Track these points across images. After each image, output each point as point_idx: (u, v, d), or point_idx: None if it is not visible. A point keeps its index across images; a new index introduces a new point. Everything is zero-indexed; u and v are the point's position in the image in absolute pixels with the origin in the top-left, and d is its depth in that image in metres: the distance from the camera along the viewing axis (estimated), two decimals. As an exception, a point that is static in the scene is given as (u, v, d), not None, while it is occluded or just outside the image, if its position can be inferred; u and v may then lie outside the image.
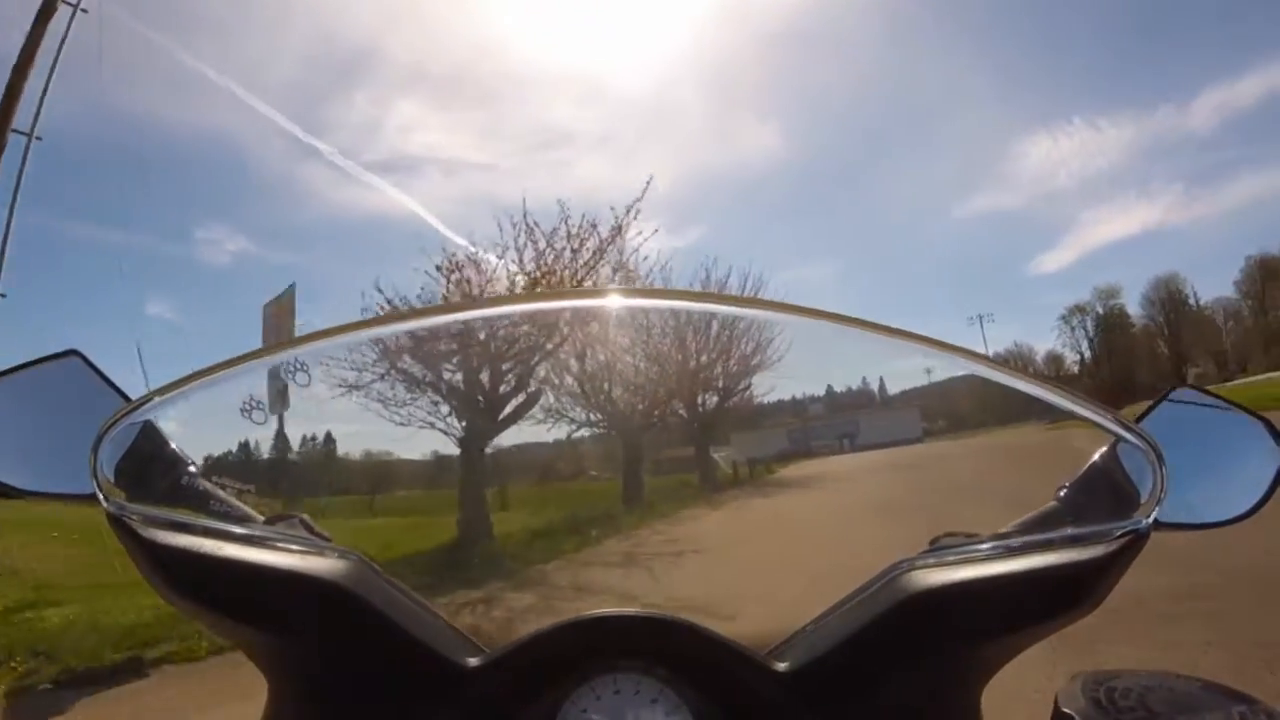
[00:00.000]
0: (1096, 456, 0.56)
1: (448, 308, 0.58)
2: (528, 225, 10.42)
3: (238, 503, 0.58)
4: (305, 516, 0.56)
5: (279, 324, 5.08)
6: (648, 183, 10.64)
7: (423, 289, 9.85)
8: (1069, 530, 0.52)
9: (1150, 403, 0.61)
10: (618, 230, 10.45)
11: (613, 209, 10.64)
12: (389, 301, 9.79)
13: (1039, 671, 1.22)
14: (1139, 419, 0.58)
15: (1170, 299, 49.48)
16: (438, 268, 10.07)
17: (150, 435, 0.54)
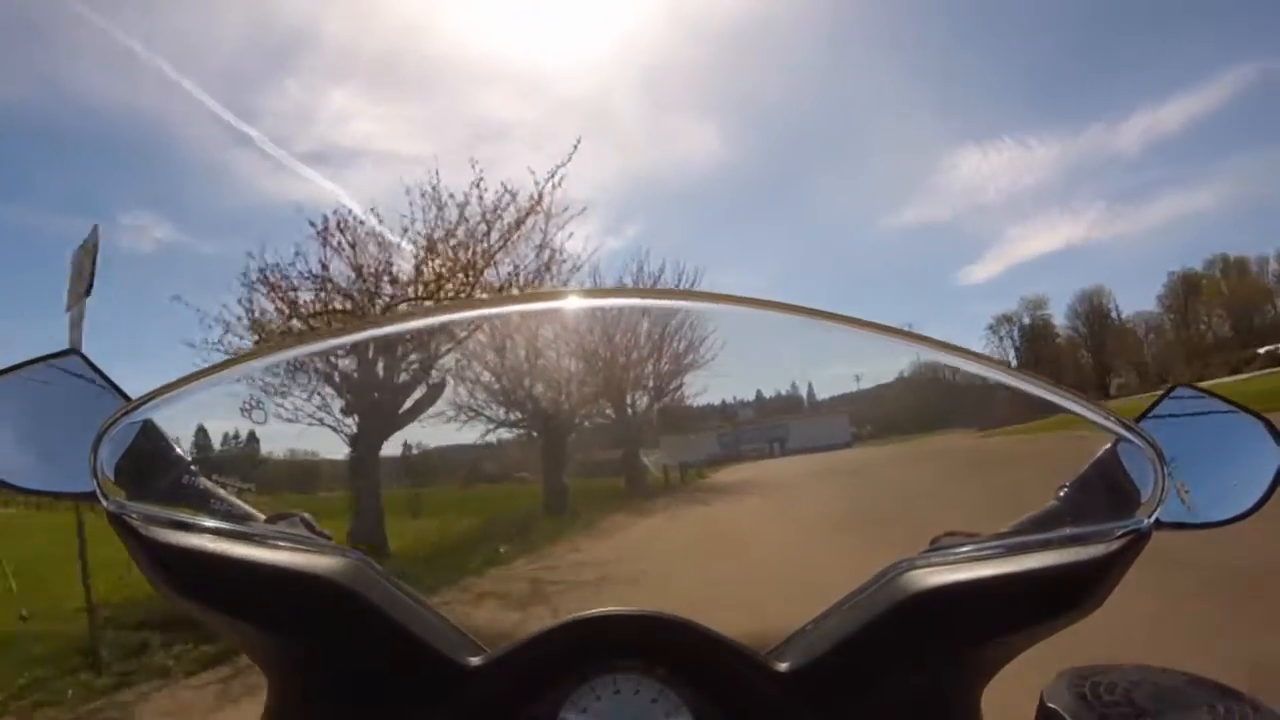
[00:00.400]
0: (1096, 456, 0.56)
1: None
2: (436, 195, 9.42)
3: (238, 501, 0.58)
4: (306, 515, 0.56)
5: (80, 270, 4.83)
6: (575, 146, 9.60)
7: (298, 252, 8.98)
8: (1069, 530, 0.52)
9: (1151, 402, 0.61)
10: (538, 200, 9.45)
11: (532, 172, 9.49)
12: (261, 271, 9.04)
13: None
14: (1139, 418, 0.58)
15: (1094, 311, 51.87)
16: (311, 224, 9.12)
17: (150, 434, 0.54)
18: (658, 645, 0.47)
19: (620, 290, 0.55)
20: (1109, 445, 0.55)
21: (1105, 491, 0.54)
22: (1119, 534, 0.49)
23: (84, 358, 0.59)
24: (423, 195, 9.48)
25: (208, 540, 0.49)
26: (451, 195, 9.44)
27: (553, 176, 9.39)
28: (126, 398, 0.55)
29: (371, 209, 9.51)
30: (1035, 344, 49.88)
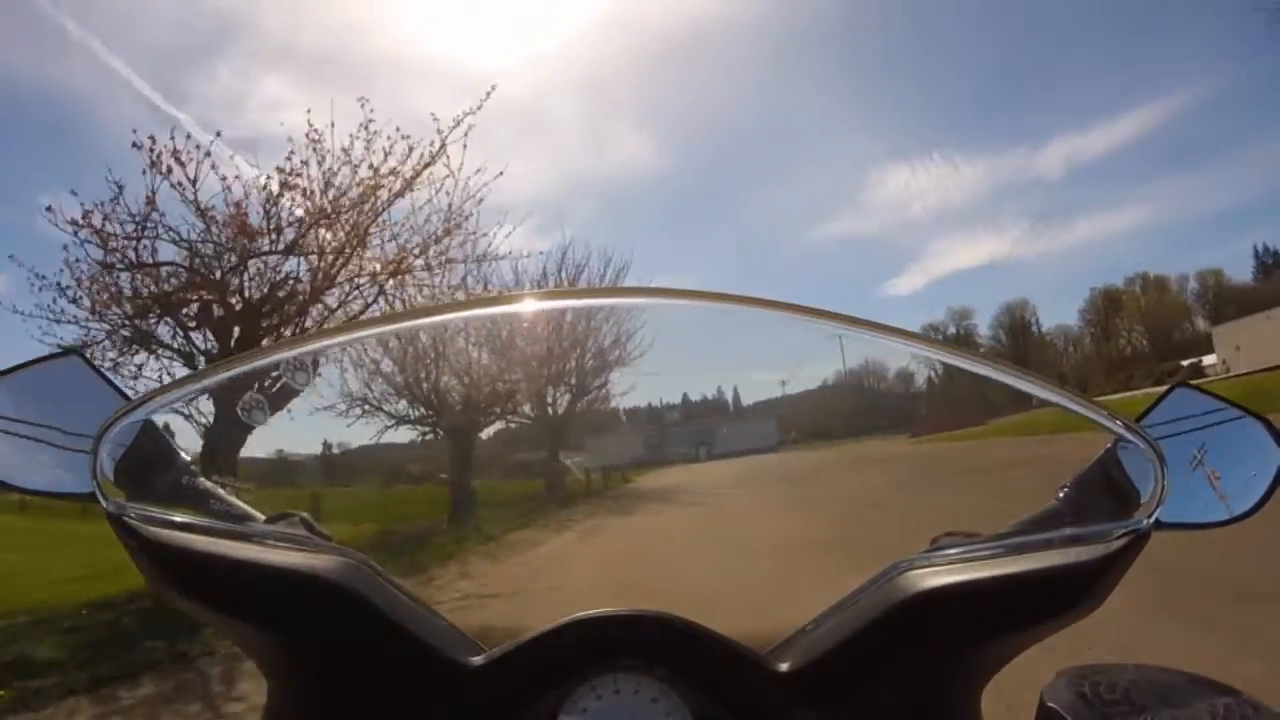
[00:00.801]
0: (1098, 455, 0.56)
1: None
2: (314, 137, 7.84)
3: (238, 501, 0.58)
4: (305, 515, 0.56)
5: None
6: (488, 92, 8.43)
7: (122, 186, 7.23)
8: (1069, 530, 0.52)
9: (1152, 401, 0.61)
10: (441, 149, 8.10)
11: (435, 118, 8.23)
12: (85, 214, 7.31)
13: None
14: (1139, 418, 0.58)
15: (1016, 323, 54.44)
16: (136, 145, 7.28)
17: (150, 434, 0.54)
18: (658, 645, 0.47)
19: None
20: (1109, 445, 0.55)
21: (1105, 491, 0.54)
22: (1119, 534, 0.49)
23: (84, 357, 0.59)
24: (307, 136, 8.00)
25: (207, 540, 0.49)
26: (351, 145, 8.06)
27: (459, 124, 8.16)
28: (126, 398, 0.55)
29: (217, 132, 7.99)
30: (960, 354, 51.97)
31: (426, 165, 8.25)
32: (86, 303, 8.00)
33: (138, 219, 7.64)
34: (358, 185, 8.14)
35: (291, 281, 8.35)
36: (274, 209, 8.07)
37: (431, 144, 8.27)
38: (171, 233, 7.84)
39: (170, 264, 8.01)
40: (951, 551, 0.52)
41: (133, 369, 8.34)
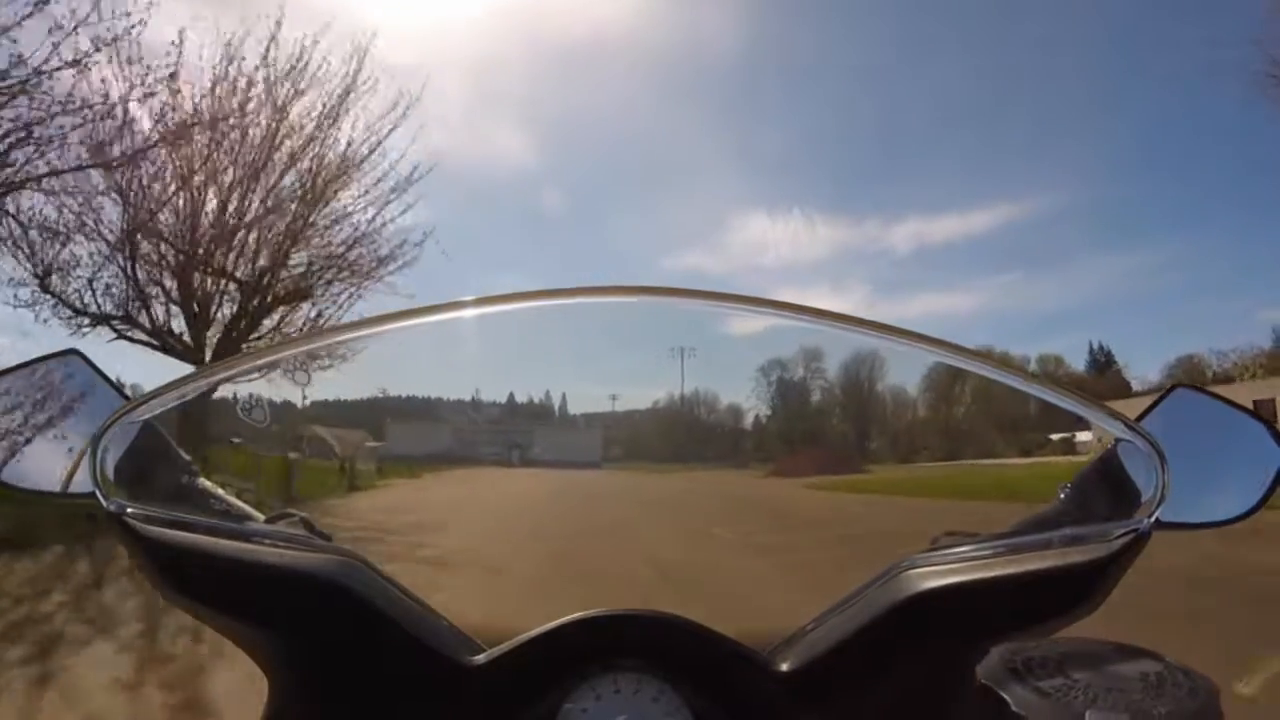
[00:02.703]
0: (1098, 455, 0.56)
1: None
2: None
3: (238, 501, 0.58)
4: (305, 515, 0.56)
5: None
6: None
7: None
8: (1069, 530, 0.52)
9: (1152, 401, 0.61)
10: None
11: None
12: None
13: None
14: (1139, 418, 0.57)
15: (851, 382, 55.78)
16: None
17: (150, 434, 0.54)
18: (658, 645, 0.47)
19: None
20: (1109, 444, 0.55)
21: (1105, 491, 0.54)
22: (1119, 534, 0.49)
23: (84, 357, 0.59)
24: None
25: (208, 541, 0.49)
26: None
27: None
28: (126, 397, 0.55)
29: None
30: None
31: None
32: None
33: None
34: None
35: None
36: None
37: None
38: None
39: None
40: (951, 551, 0.52)
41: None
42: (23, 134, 7.92)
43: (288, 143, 9.51)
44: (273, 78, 8.96)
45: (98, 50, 7.84)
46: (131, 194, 8.85)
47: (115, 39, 8.06)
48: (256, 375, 0.53)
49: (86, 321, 10.26)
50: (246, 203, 9.85)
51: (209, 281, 10.48)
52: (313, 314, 11.55)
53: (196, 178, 9.00)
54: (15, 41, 7.48)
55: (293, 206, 9.70)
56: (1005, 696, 0.30)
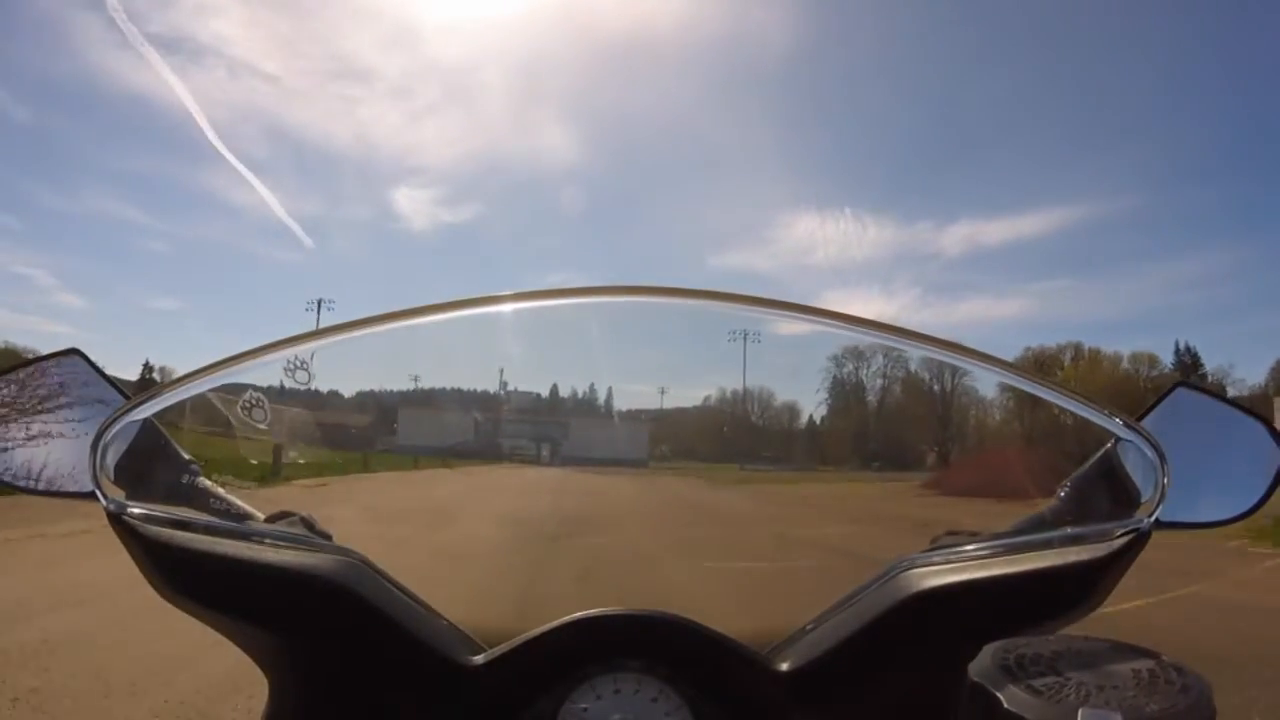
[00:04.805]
0: (1098, 455, 0.56)
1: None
2: None
3: (238, 501, 0.58)
4: (306, 515, 0.56)
5: None
6: None
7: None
8: (1069, 530, 0.52)
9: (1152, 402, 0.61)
10: None
11: None
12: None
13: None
14: (1139, 418, 0.57)
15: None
16: None
17: (150, 433, 0.54)
18: (658, 644, 0.47)
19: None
20: (1109, 444, 0.55)
21: (1105, 491, 0.54)
22: (1119, 534, 0.49)
23: (84, 357, 0.59)
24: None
25: (207, 540, 0.49)
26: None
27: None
28: (126, 396, 0.55)
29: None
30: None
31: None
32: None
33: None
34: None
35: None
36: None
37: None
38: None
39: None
40: (952, 551, 0.52)
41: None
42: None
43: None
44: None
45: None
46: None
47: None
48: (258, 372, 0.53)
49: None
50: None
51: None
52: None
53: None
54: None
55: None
56: (998, 695, 0.30)
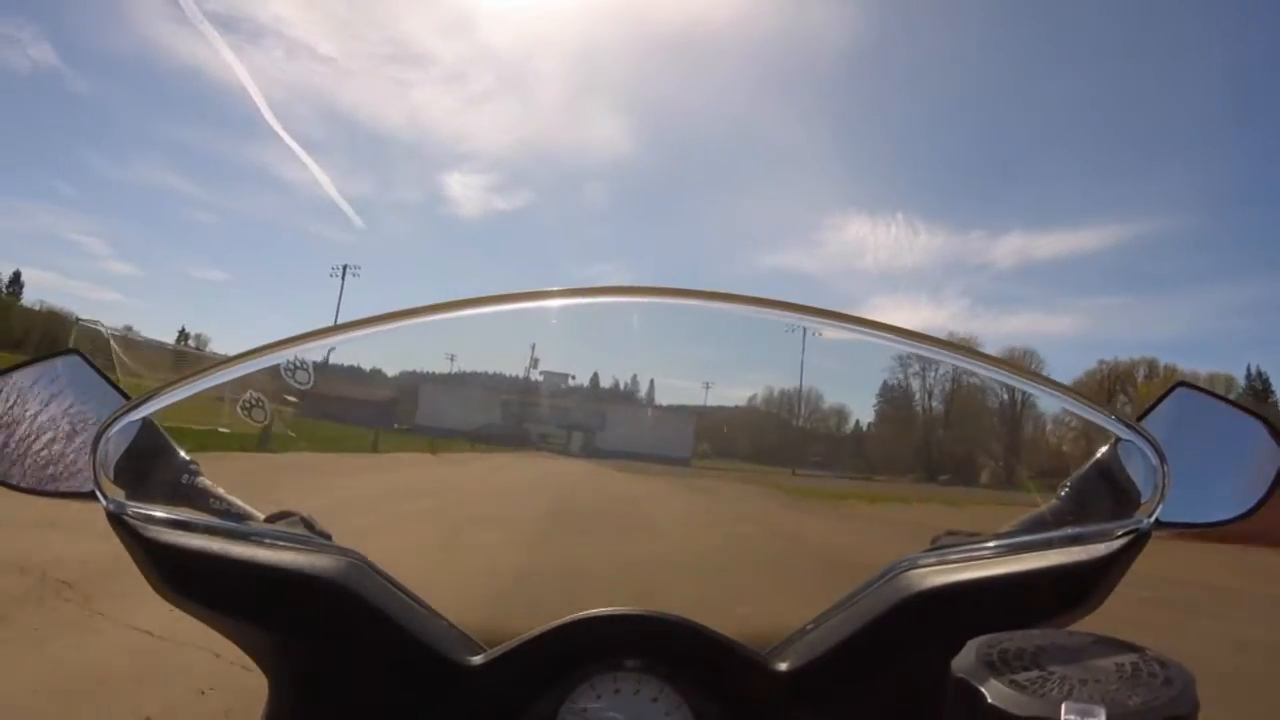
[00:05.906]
0: (1098, 455, 0.56)
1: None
2: None
3: (238, 501, 0.58)
4: (305, 514, 0.56)
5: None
6: None
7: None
8: (1069, 530, 0.52)
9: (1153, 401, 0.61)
10: None
11: None
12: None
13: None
14: (1140, 417, 0.57)
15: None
16: None
17: (150, 433, 0.54)
18: (658, 645, 0.47)
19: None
20: (1109, 444, 0.55)
21: (1105, 491, 0.54)
22: (1119, 534, 0.49)
23: (84, 357, 0.59)
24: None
25: (207, 540, 0.49)
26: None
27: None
28: (126, 396, 0.55)
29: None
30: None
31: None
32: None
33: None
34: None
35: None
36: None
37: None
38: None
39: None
40: (952, 551, 0.52)
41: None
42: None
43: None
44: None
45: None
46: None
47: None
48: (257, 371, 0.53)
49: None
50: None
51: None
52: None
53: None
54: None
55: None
56: (981, 689, 0.30)
